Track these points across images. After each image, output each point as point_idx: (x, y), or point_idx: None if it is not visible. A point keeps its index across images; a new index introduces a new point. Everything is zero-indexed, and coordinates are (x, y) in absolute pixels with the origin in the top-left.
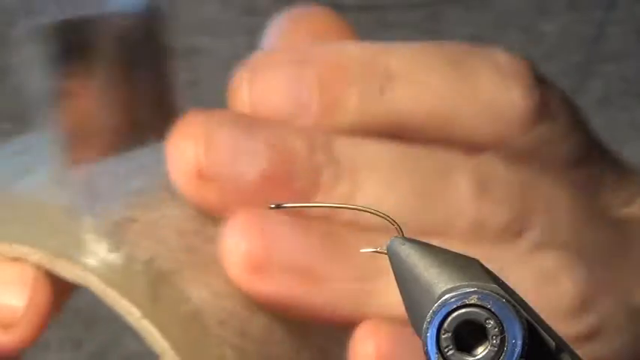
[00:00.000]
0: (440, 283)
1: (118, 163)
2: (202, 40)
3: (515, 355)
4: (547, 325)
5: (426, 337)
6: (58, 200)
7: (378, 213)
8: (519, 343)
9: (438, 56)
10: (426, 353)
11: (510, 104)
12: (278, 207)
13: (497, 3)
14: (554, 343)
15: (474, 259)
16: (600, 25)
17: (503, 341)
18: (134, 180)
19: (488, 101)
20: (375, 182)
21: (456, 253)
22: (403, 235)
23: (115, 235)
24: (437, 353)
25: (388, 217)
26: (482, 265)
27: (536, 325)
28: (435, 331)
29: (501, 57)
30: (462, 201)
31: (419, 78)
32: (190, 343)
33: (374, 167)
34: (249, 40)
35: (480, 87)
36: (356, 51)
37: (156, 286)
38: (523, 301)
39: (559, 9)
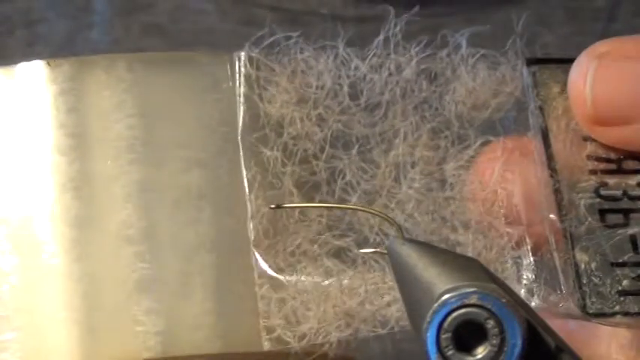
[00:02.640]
0: (440, 283)
1: None
2: (201, 50)
3: (515, 355)
4: (547, 325)
5: (426, 337)
6: None
7: (377, 213)
8: (519, 343)
9: None
10: (426, 353)
11: None
12: (278, 207)
13: (498, 14)
14: (554, 343)
15: (474, 259)
16: (601, 36)
17: (503, 341)
18: None
19: None
20: None
21: (455, 254)
22: (403, 235)
23: None
24: (437, 353)
25: (388, 217)
26: (482, 266)
27: (536, 325)
28: (435, 331)
29: None
30: None
31: None
32: None
33: None
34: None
35: None
36: None
37: None
38: (523, 301)
39: (560, 21)
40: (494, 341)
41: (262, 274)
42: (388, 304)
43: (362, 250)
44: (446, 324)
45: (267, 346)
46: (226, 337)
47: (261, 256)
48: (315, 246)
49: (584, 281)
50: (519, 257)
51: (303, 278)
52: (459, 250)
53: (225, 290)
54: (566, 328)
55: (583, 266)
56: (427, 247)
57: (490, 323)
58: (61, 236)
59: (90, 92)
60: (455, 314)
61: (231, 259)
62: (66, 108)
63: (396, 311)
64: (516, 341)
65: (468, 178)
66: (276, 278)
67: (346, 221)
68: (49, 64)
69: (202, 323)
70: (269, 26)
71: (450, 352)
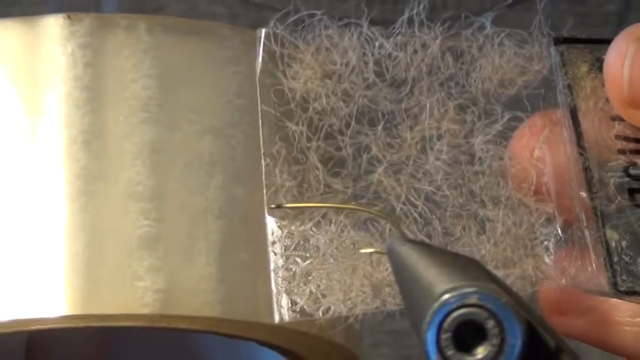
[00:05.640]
0: (440, 283)
1: None
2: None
3: (515, 355)
4: (547, 325)
5: (426, 337)
6: None
7: (378, 213)
8: (519, 343)
9: None
10: (426, 353)
11: None
12: (278, 207)
13: (508, 18)
14: (554, 343)
15: (473, 259)
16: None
17: (503, 341)
18: None
19: None
20: None
21: (455, 253)
22: (403, 235)
23: None
24: (437, 353)
25: (388, 217)
26: (482, 265)
27: (536, 325)
28: (435, 331)
29: None
30: None
31: None
32: None
33: None
34: None
35: None
36: None
37: None
38: (523, 301)
39: (569, 25)
40: (495, 341)
41: (287, 246)
42: None
43: (362, 250)
44: (446, 324)
45: (291, 317)
46: (226, 304)
47: (285, 228)
48: (341, 216)
49: (615, 259)
50: (549, 234)
51: (329, 250)
52: (488, 225)
53: (229, 257)
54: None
55: (614, 244)
56: (427, 247)
57: (490, 323)
58: (67, 185)
59: (108, 49)
60: (455, 314)
61: (239, 227)
62: (83, 62)
63: None
64: (516, 341)
65: (498, 154)
66: (302, 250)
67: (372, 191)
68: (69, 17)
69: (203, 287)
70: (293, 3)
71: (450, 352)
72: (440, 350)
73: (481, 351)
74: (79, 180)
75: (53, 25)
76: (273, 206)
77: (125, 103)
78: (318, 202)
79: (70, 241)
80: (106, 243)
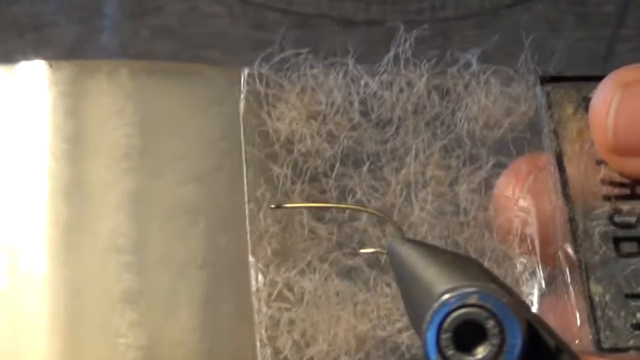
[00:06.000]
0: (440, 283)
1: None
2: (212, 53)
3: (515, 355)
4: (547, 325)
5: (426, 337)
6: None
7: (377, 213)
8: (519, 343)
9: None
10: (426, 353)
11: None
12: (278, 207)
13: (507, 20)
14: (554, 343)
15: (473, 259)
16: (610, 42)
17: (503, 341)
18: None
19: None
20: None
21: (455, 253)
22: (403, 235)
23: None
24: (437, 353)
25: (388, 217)
26: (482, 265)
27: (536, 325)
28: (435, 331)
29: None
30: None
31: None
32: None
33: None
34: (257, 55)
35: None
36: None
37: None
38: (523, 301)
39: (569, 26)
40: (495, 341)
41: (270, 293)
42: (399, 331)
43: (362, 250)
44: (446, 324)
45: None
46: (209, 357)
47: (269, 275)
48: (326, 265)
49: (599, 314)
50: (533, 287)
51: (313, 299)
52: None
53: (213, 309)
54: None
55: (597, 299)
56: (427, 247)
57: (490, 323)
58: (48, 240)
59: (90, 97)
60: (455, 314)
61: (223, 277)
62: (64, 110)
63: (407, 338)
64: (516, 341)
65: (483, 204)
66: (285, 299)
67: (357, 239)
68: (50, 65)
69: (185, 341)
70: (279, 43)
71: (450, 352)
72: (440, 350)
73: (481, 351)
74: (61, 234)
75: (34, 72)
76: (272, 206)
77: (106, 152)
78: (303, 248)
79: (50, 300)
80: (88, 299)
